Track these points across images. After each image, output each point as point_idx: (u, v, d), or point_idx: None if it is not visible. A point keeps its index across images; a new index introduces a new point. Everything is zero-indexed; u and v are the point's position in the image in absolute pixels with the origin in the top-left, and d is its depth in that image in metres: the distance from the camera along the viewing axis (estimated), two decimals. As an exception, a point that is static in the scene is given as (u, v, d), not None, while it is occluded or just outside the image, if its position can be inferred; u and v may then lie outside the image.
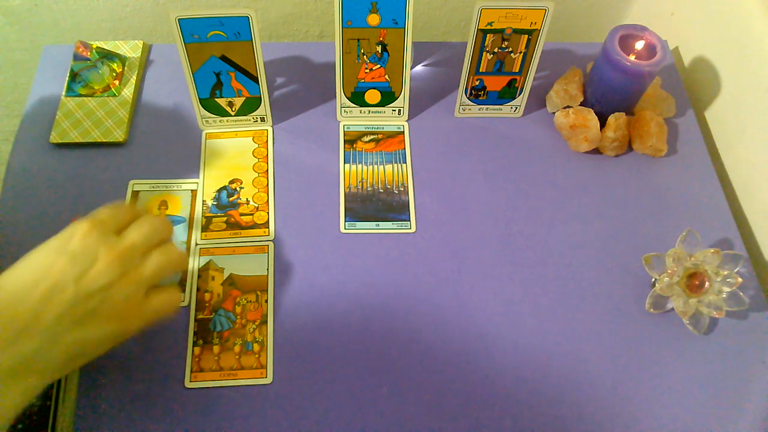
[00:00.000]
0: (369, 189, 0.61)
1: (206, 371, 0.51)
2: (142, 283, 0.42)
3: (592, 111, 0.63)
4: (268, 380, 0.51)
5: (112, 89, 0.65)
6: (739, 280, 0.53)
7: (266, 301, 0.54)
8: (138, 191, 0.59)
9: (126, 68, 0.66)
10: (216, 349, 0.52)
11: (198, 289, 0.54)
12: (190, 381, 0.50)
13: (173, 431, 0.48)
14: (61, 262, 0.39)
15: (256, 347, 0.52)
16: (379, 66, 0.61)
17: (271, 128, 0.65)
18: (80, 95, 0.64)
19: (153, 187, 0.60)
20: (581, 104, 0.65)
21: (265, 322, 0.53)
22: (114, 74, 0.65)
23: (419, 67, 0.71)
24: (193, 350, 0.52)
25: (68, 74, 0.65)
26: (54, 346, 0.37)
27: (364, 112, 0.65)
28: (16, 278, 0.38)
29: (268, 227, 0.58)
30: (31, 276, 0.38)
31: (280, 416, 0.49)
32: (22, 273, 0.39)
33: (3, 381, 0.35)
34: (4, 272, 0.40)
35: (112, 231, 0.42)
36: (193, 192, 0.60)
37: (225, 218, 0.58)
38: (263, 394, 0.50)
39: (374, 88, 0.63)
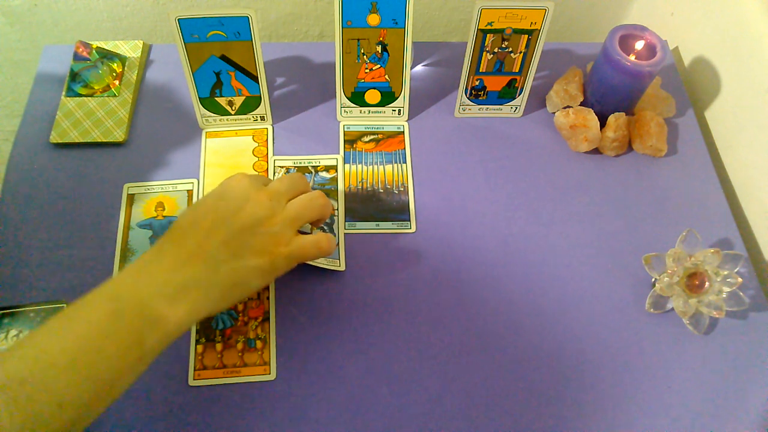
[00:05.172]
0: (369, 189, 0.61)
1: (209, 369, 0.51)
2: (288, 223, 0.47)
3: (592, 111, 0.63)
4: (272, 377, 0.51)
5: (112, 89, 0.65)
6: (739, 280, 0.53)
7: (267, 297, 0.54)
8: (133, 194, 0.59)
9: (126, 68, 0.66)
10: (218, 346, 0.52)
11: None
12: (194, 379, 0.50)
13: (177, 430, 0.48)
14: (222, 204, 0.46)
15: (258, 344, 0.52)
16: (379, 66, 0.61)
17: (271, 127, 0.65)
18: (80, 95, 0.64)
19: (148, 189, 0.60)
20: (581, 104, 0.65)
21: (267, 319, 0.53)
22: (114, 74, 0.65)
23: (419, 67, 0.71)
24: (195, 348, 0.52)
25: (68, 74, 0.65)
26: (215, 272, 0.43)
27: (364, 112, 0.65)
28: (186, 217, 0.46)
29: (268, 227, 0.58)
30: (198, 215, 0.45)
31: (283, 412, 0.49)
32: (192, 213, 0.46)
33: (174, 297, 0.41)
34: (180, 213, 0.52)
35: (260, 182, 0.49)
36: (189, 192, 0.60)
37: (225, 218, 0.58)
38: (267, 390, 0.50)
39: (374, 88, 0.63)
